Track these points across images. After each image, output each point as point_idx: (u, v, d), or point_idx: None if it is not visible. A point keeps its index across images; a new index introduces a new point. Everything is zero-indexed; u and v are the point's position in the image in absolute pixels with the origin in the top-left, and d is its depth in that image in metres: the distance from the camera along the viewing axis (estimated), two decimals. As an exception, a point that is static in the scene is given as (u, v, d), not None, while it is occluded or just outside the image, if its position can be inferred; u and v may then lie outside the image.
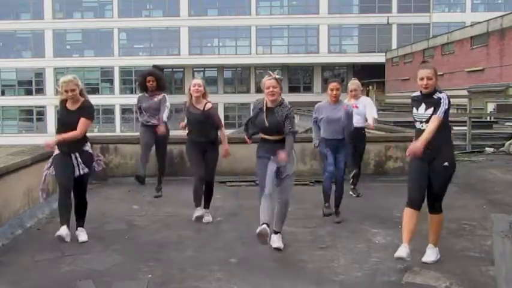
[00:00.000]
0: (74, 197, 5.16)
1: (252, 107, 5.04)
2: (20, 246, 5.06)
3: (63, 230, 4.85)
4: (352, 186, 7.23)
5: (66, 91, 4.97)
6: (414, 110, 4.48)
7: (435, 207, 4.50)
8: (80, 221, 5.22)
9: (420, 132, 4.38)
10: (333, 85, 5.84)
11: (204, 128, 5.82)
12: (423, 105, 4.39)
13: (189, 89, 5.87)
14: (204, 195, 5.88)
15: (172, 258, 4.67)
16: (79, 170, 5.07)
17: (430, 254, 4.52)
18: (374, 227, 5.54)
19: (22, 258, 4.69)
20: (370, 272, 4.34)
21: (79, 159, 5.07)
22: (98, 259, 4.65)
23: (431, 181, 4.42)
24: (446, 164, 4.36)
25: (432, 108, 4.32)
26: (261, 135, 4.92)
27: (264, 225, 4.50)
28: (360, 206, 6.47)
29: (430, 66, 4.48)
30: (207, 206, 5.93)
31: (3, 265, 4.53)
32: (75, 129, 4.97)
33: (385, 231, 5.43)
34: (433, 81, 4.33)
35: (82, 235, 5.13)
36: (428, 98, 4.37)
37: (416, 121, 4.48)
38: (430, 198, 4.49)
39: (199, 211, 5.79)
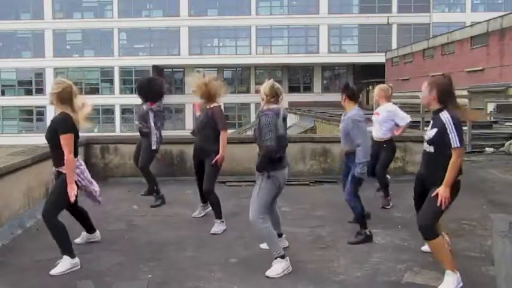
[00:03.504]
0: None
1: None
2: (20, 246, 5.06)
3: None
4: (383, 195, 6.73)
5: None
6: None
7: (421, 232, 3.97)
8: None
9: (425, 154, 4.06)
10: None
11: (206, 133, 5.50)
12: (430, 123, 4.04)
13: None
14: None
15: (172, 258, 4.67)
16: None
17: (447, 283, 3.89)
18: (374, 227, 5.53)
19: (22, 258, 4.69)
20: (370, 272, 4.34)
21: (53, 182, 4.53)
22: (97, 259, 4.65)
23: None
24: (434, 187, 3.91)
25: (435, 130, 3.90)
26: None
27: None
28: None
29: (432, 80, 4.02)
30: (216, 216, 5.61)
31: (3, 265, 4.53)
32: (53, 146, 4.43)
33: (385, 231, 5.43)
34: (427, 97, 3.95)
35: (57, 266, 4.38)
36: (435, 115, 3.97)
37: (425, 140, 4.07)
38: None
39: (197, 210, 5.88)
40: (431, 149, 3.96)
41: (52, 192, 4.51)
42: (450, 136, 3.81)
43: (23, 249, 4.96)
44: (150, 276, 4.25)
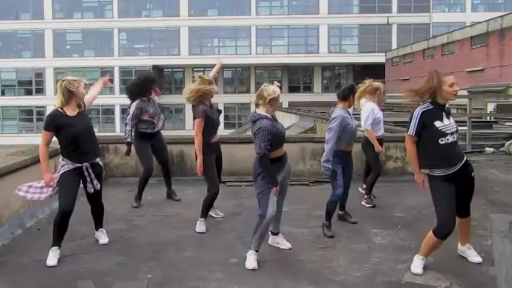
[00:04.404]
0: (89, 203, 4.97)
1: (254, 119, 4.46)
2: (20, 246, 5.06)
3: (54, 258, 4.50)
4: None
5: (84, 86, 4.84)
6: (438, 123, 4.08)
7: (468, 211, 4.55)
8: (99, 223, 5.12)
9: (451, 144, 4.11)
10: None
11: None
12: (444, 116, 4.12)
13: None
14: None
15: (172, 258, 4.68)
16: (93, 186, 4.74)
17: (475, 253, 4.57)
18: (374, 227, 5.54)
19: (22, 258, 4.69)
20: (370, 272, 4.34)
21: (92, 175, 4.72)
22: (98, 259, 4.65)
23: (462, 193, 4.31)
24: (473, 174, 4.36)
25: (452, 119, 4.17)
26: (274, 153, 4.45)
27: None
28: (360, 206, 6.47)
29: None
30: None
31: (3, 265, 4.54)
32: (94, 135, 4.87)
33: (385, 231, 5.43)
34: None
35: (103, 237, 5.09)
36: (445, 108, 4.17)
37: (446, 134, 4.08)
38: (463, 206, 4.43)
39: (202, 225, 5.54)
40: (455, 136, 4.16)
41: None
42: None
43: (23, 249, 4.96)
44: (150, 276, 4.25)
